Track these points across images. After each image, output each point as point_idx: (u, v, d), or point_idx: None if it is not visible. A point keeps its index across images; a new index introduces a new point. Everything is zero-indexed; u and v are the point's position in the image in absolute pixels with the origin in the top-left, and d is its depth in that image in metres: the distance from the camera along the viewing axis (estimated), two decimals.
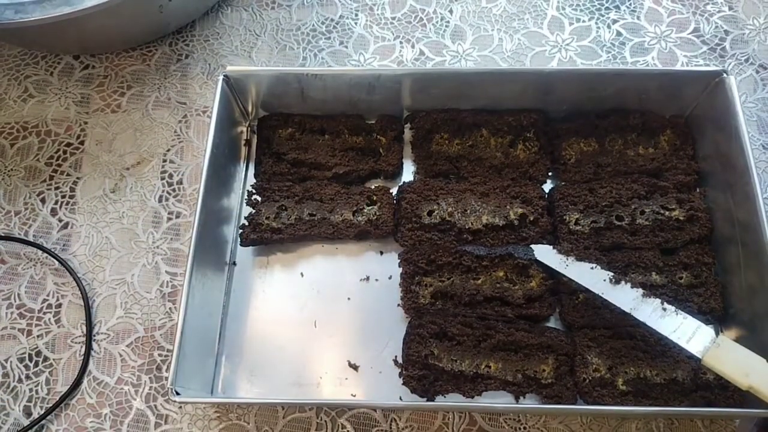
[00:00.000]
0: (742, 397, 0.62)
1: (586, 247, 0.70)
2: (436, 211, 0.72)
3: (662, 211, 0.70)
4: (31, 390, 0.70)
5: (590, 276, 0.65)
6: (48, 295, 0.74)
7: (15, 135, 0.84)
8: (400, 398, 0.66)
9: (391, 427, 0.66)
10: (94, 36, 0.83)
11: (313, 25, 0.90)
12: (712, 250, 0.70)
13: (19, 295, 0.75)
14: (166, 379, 0.68)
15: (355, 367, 0.68)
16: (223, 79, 0.73)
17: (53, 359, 0.71)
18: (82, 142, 0.83)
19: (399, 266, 0.70)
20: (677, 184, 0.72)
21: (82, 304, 0.73)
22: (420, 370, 0.65)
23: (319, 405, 0.67)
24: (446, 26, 0.89)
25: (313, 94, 0.76)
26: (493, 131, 0.76)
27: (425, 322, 0.67)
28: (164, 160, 0.81)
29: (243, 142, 0.80)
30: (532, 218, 0.71)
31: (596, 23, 0.88)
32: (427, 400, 0.65)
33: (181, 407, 0.68)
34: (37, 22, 0.71)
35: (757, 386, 0.56)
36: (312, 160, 0.77)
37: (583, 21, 0.88)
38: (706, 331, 0.60)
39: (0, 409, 0.69)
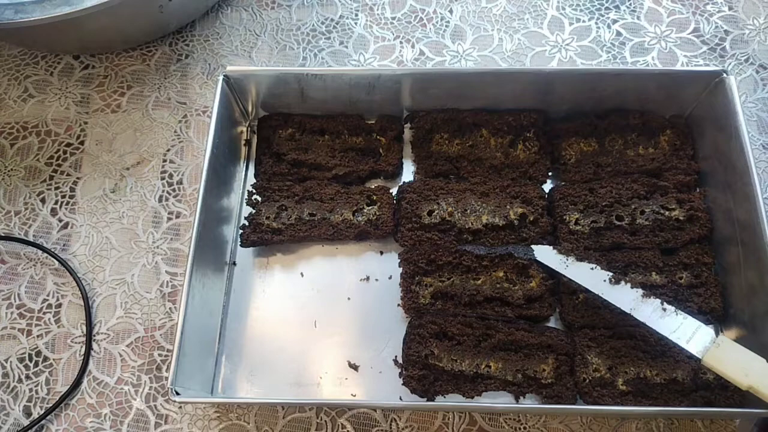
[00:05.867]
0: (742, 397, 0.62)
1: (586, 247, 0.70)
2: (436, 211, 0.72)
3: (662, 211, 0.70)
4: (31, 390, 0.70)
5: (590, 276, 0.65)
6: (48, 295, 0.74)
7: (15, 135, 0.84)
8: (400, 398, 0.66)
9: (391, 427, 0.66)
10: (94, 36, 0.83)
11: (313, 25, 0.90)
12: (712, 250, 0.70)
13: (19, 295, 0.75)
14: (166, 379, 0.68)
15: (355, 367, 0.68)
16: (223, 79, 0.73)
17: (53, 359, 0.71)
18: (82, 142, 0.83)
19: (399, 266, 0.70)
20: (677, 184, 0.72)
21: (82, 304, 0.73)
22: (420, 370, 0.65)
23: (319, 405, 0.67)
24: (446, 26, 0.89)
25: (313, 94, 0.76)
26: (493, 131, 0.76)
27: (425, 322, 0.67)
28: (164, 160, 0.81)
29: (243, 142, 0.80)
30: (532, 218, 0.71)
31: (596, 23, 0.88)
32: (427, 400, 0.65)
33: (181, 407, 0.68)
34: (37, 22, 0.71)
35: (757, 386, 0.56)
36: (312, 160, 0.77)
37: (583, 21, 0.88)
38: (706, 331, 0.60)
39: (0, 409, 0.69)
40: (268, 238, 0.72)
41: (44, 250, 0.76)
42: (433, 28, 0.89)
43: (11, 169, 0.82)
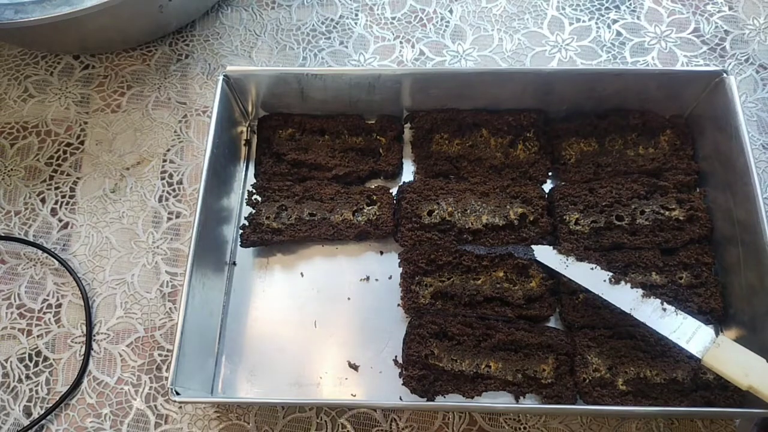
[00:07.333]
0: (742, 397, 0.62)
1: (586, 247, 0.70)
2: (436, 211, 0.72)
3: (662, 211, 0.70)
4: (31, 390, 0.70)
5: (590, 276, 0.65)
6: (48, 295, 0.74)
7: (15, 135, 0.84)
8: (400, 398, 0.66)
9: (391, 427, 0.66)
10: (94, 36, 0.83)
11: (313, 25, 0.90)
12: (712, 250, 0.70)
13: (19, 295, 0.75)
14: (166, 379, 0.68)
15: (355, 367, 0.68)
16: (223, 79, 0.73)
17: (53, 359, 0.71)
18: (82, 142, 0.83)
19: (399, 266, 0.70)
20: (677, 184, 0.72)
21: (82, 304, 0.73)
22: (420, 370, 0.65)
23: (319, 405, 0.67)
24: (446, 26, 0.89)
25: (313, 94, 0.76)
26: (493, 131, 0.76)
27: (425, 322, 0.67)
28: (164, 160, 0.81)
29: (243, 142, 0.80)
30: (532, 218, 0.71)
31: (596, 23, 0.88)
32: (427, 400, 0.65)
33: (181, 407, 0.68)
34: (37, 22, 0.71)
35: (757, 386, 0.56)
36: (312, 160, 0.77)
37: (583, 21, 0.88)
38: (706, 331, 0.60)
39: (0, 409, 0.69)
40: (268, 238, 0.72)
41: (44, 250, 0.76)
42: (433, 28, 0.89)
43: (11, 169, 0.82)
